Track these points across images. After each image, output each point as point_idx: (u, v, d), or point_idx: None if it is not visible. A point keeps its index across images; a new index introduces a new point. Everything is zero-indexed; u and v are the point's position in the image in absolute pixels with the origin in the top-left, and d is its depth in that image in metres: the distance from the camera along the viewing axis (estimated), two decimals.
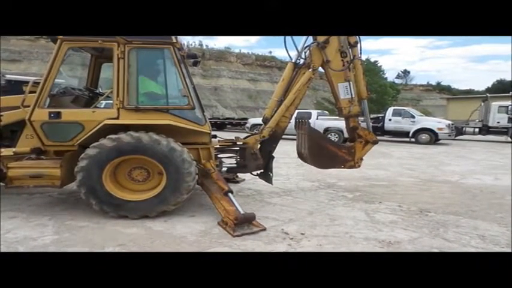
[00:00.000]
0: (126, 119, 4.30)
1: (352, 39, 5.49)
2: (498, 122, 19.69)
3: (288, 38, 5.35)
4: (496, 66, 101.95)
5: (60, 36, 4.24)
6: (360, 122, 5.89)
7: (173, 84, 4.58)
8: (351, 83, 5.58)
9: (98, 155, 4.11)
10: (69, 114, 4.35)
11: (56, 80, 4.54)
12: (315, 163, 5.94)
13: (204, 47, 47.68)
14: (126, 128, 4.27)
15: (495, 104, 20.14)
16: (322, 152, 5.71)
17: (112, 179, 4.31)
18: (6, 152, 4.44)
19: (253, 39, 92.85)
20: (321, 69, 5.73)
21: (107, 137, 4.17)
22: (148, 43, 4.40)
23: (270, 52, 53.07)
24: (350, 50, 5.54)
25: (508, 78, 54.70)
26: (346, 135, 15.79)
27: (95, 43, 4.39)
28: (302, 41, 5.53)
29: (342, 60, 5.47)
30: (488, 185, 7.40)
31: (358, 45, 5.55)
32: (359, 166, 5.87)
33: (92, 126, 4.25)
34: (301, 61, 5.59)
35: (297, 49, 5.50)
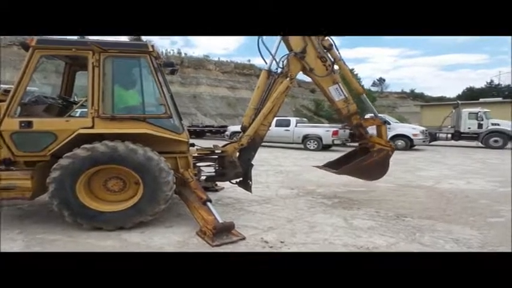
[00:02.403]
0: (101, 128, 4.20)
1: (326, 42, 5.58)
2: (469, 128, 20.47)
3: (261, 44, 5.36)
4: (465, 75, 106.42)
5: (33, 44, 4.12)
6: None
7: (150, 92, 4.51)
8: (339, 84, 5.73)
9: (71, 165, 3.98)
10: (41, 123, 4.20)
11: (29, 88, 4.40)
12: (375, 178, 6.40)
13: (183, 54, 47.43)
14: (101, 137, 4.17)
15: (465, 111, 20.94)
16: (369, 170, 6.04)
17: (86, 190, 4.18)
18: None
19: (231, 48, 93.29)
20: (299, 76, 5.80)
21: (81, 146, 4.05)
22: (124, 52, 4.33)
23: (249, 60, 53.24)
24: (328, 53, 5.64)
25: (477, 86, 57.04)
26: (324, 142, 16.18)
27: (69, 51, 4.29)
28: (274, 46, 5.53)
29: (324, 64, 5.58)
30: (461, 189, 7.62)
31: (334, 47, 5.65)
32: (394, 145, 6.17)
33: (66, 136, 4.12)
34: (279, 70, 5.62)
35: (272, 56, 5.50)
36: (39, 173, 4.16)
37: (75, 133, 4.10)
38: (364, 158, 6.00)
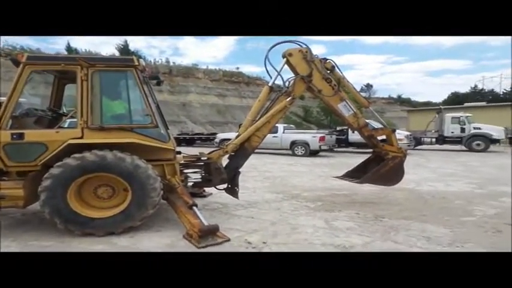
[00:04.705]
0: (91, 138, 4.40)
1: (328, 64, 6.05)
2: (452, 132, 21.10)
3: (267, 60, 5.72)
4: (450, 80, 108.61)
5: (23, 60, 4.33)
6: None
7: (136, 104, 4.73)
8: (347, 101, 6.13)
9: (62, 174, 4.17)
10: (32, 134, 4.40)
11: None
12: (394, 183, 6.67)
13: (171, 63, 47.70)
14: (90, 147, 4.36)
15: (448, 115, 21.58)
16: (388, 177, 6.42)
17: (77, 197, 4.37)
18: None
19: (220, 56, 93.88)
20: None
21: (71, 156, 4.25)
22: (111, 66, 4.57)
23: (237, 68, 53.86)
24: (331, 74, 6.06)
25: (461, 91, 58.35)
26: (311, 147, 16.48)
27: (58, 66, 4.50)
28: (280, 66, 5.89)
29: (330, 85, 5.97)
30: (440, 191, 7.97)
31: (336, 68, 6.09)
32: (405, 150, 6.73)
33: (56, 146, 4.32)
34: (283, 88, 5.95)
35: (278, 73, 5.83)
36: (30, 182, 4.33)
37: (66, 143, 4.30)
38: (381, 166, 6.37)
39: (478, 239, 4.46)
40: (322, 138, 16.75)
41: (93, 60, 4.52)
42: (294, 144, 17.26)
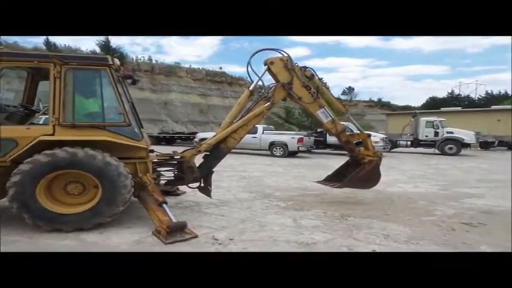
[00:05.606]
0: (62, 135, 4.46)
1: (308, 73, 6.29)
2: (426, 136, 21.85)
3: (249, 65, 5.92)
4: (429, 85, 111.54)
5: None
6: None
7: (110, 102, 4.81)
8: (325, 108, 6.38)
9: (31, 170, 4.22)
10: (2, 130, 4.40)
11: None
12: (371, 186, 6.84)
13: (154, 61, 47.35)
14: (62, 144, 4.42)
15: (423, 120, 22.31)
16: (365, 180, 6.62)
17: (46, 194, 4.42)
18: None
19: (204, 55, 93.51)
20: None
21: (42, 152, 4.30)
22: (84, 64, 4.64)
23: (221, 68, 53.90)
24: (310, 82, 6.31)
25: (439, 96, 60.19)
26: (290, 148, 16.75)
27: (31, 63, 4.54)
28: (261, 71, 6.10)
29: (309, 92, 6.20)
30: (407, 192, 8.32)
31: (315, 76, 6.34)
32: (380, 153, 6.85)
33: (27, 142, 4.35)
34: (264, 93, 6.13)
35: (260, 78, 6.03)
36: None
37: (36, 140, 4.34)
38: (358, 170, 6.60)
39: (432, 237, 4.75)
40: (300, 140, 17.06)
41: (67, 58, 4.58)
42: (272, 145, 17.52)
